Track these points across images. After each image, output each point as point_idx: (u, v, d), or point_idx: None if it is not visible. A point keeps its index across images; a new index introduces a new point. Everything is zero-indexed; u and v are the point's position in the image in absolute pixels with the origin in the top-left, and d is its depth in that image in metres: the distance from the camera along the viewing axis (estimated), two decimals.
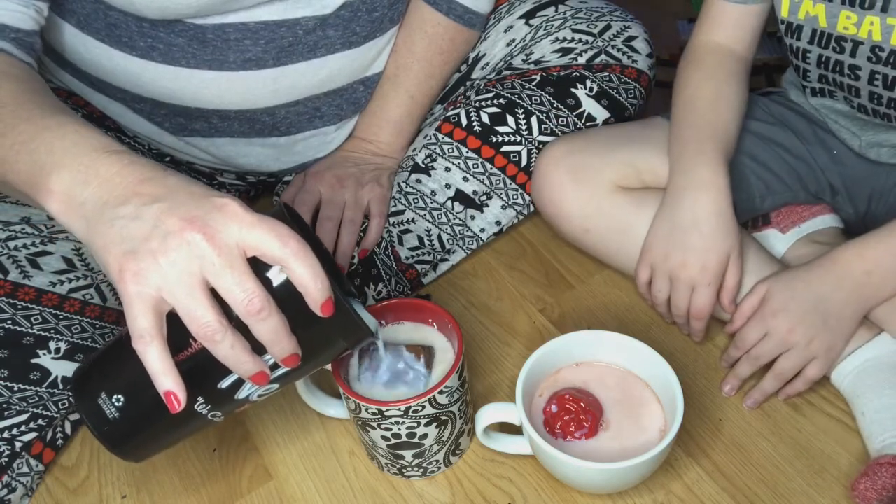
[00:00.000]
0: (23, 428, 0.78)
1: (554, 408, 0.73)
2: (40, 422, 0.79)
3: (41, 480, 0.83)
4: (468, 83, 1.04)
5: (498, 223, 0.97)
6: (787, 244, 0.90)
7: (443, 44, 0.98)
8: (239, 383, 0.61)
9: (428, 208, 0.94)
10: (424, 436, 0.73)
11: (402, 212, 0.94)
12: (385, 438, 0.73)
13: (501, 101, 0.95)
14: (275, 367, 0.59)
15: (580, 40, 0.98)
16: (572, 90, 0.96)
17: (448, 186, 0.94)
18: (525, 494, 0.77)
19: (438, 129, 0.97)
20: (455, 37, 0.98)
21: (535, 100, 0.95)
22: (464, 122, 0.95)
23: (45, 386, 0.78)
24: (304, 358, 0.59)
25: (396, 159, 1.01)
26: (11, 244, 0.78)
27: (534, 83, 0.96)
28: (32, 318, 0.77)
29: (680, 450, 0.78)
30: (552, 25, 1.00)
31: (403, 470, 0.78)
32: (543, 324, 0.93)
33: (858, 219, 0.92)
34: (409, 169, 0.97)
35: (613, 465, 0.68)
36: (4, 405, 0.76)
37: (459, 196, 0.94)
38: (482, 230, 0.96)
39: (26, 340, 0.77)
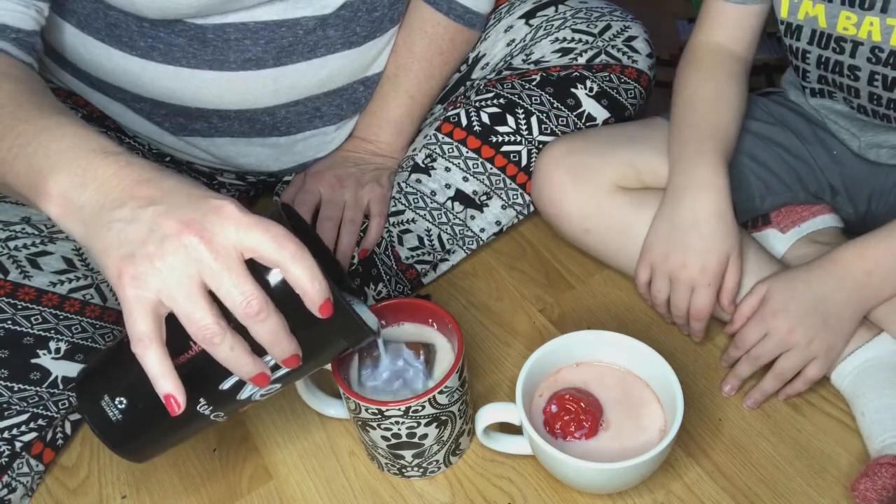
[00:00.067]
0: (23, 428, 0.78)
1: (554, 408, 0.73)
2: (40, 422, 0.79)
3: (41, 480, 0.83)
4: (468, 83, 1.04)
5: (498, 223, 0.97)
6: (787, 244, 0.90)
7: (443, 44, 0.98)
8: (241, 384, 0.61)
9: (428, 208, 0.94)
10: (424, 436, 0.73)
11: (402, 212, 0.94)
12: (385, 438, 0.73)
13: (501, 101, 0.95)
14: (276, 367, 0.59)
15: (580, 40, 0.98)
16: (572, 90, 0.96)
17: (448, 186, 0.94)
18: (525, 494, 0.77)
19: (438, 129, 0.97)
20: (455, 37, 0.98)
21: (535, 100, 0.95)
22: (464, 122, 0.95)
23: (45, 386, 0.78)
24: (305, 358, 0.59)
25: (396, 159, 1.01)
26: (11, 244, 0.78)
27: (534, 83, 0.96)
28: (32, 318, 0.77)
29: (680, 450, 0.78)
30: (552, 25, 1.00)
31: (403, 470, 0.78)
32: (543, 324, 0.93)
33: (858, 219, 0.92)
34: (409, 169, 0.97)
35: (613, 465, 0.68)
36: (4, 405, 0.76)
37: (459, 196, 0.94)
38: (482, 230, 0.96)
39: (26, 340, 0.77)
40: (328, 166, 1.00)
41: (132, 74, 0.86)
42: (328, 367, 0.72)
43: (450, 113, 0.97)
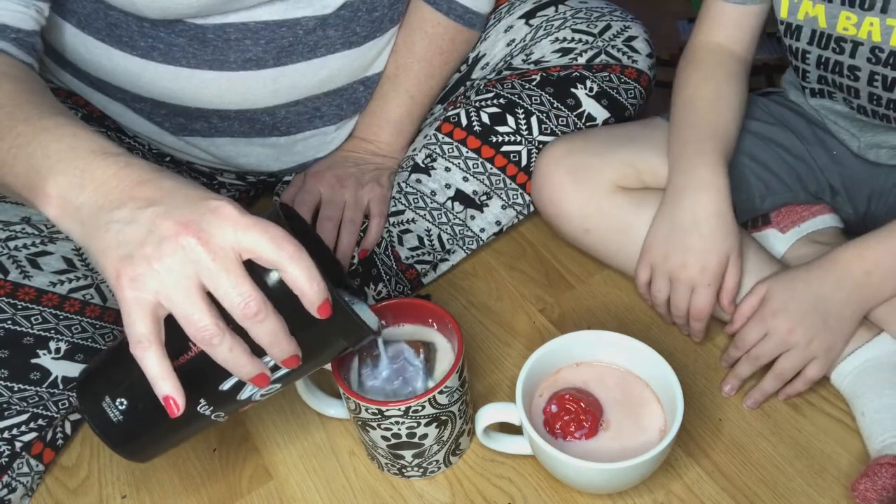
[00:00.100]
0: (23, 428, 0.78)
1: (554, 408, 0.73)
2: (40, 422, 0.79)
3: (41, 480, 0.83)
4: (468, 83, 1.04)
5: (498, 223, 0.97)
6: (786, 244, 0.90)
7: (443, 44, 0.98)
8: (240, 384, 0.61)
9: (428, 208, 0.94)
10: (424, 436, 0.73)
11: (402, 212, 0.94)
12: (385, 438, 0.73)
13: (501, 101, 0.95)
14: (275, 368, 0.59)
15: (580, 40, 0.98)
16: (572, 90, 0.96)
17: (448, 186, 0.94)
18: (525, 494, 0.77)
19: (438, 129, 0.97)
20: (455, 37, 0.98)
21: (535, 100, 0.95)
22: (464, 122, 0.95)
23: (45, 386, 0.78)
24: (305, 358, 0.59)
25: (396, 159, 1.01)
26: (11, 244, 0.78)
27: (534, 83, 0.96)
28: (32, 318, 0.77)
29: (680, 450, 0.78)
30: (552, 25, 0.99)
31: (403, 470, 0.78)
32: (543, 324, 0.93)
33: (858, 219, 0.92)
34: (409, 169, 0.97)
35: (613, 465, 0.68)
36: (4, 405, 0.76)
37: (459, 196, 0.94)
38: (482, 230, 0.96)
39: (26, 340, 0.77)
40: (328, 166, 1.00)
41: (132, 74, 0.86)
42: (328, 367, 0.72)
43: (450, 113, 0.97)
